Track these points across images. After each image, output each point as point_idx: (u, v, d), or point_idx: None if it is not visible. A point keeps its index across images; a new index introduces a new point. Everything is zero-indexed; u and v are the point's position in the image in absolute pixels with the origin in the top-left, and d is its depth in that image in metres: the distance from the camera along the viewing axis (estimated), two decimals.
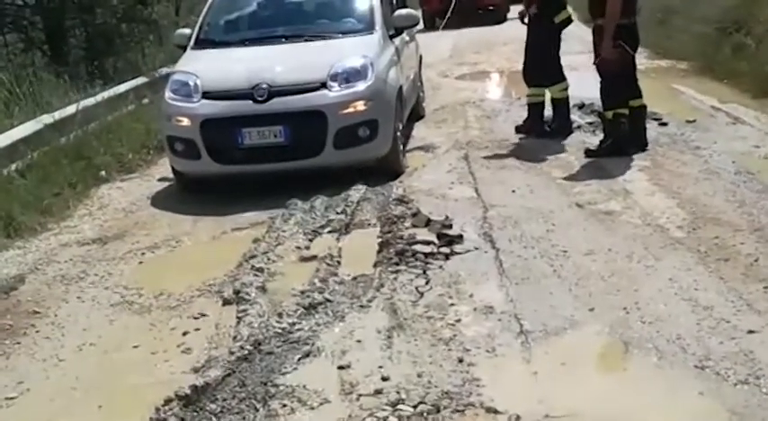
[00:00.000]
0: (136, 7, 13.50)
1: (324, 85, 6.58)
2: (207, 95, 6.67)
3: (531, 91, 8.00)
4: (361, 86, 6.64)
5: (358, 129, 6.58)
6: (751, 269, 4.52)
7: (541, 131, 7.90)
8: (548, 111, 8.03)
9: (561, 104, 7.93)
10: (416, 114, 8.95)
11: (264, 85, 6.52)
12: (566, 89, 7.90)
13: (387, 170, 6.82)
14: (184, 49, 7.57)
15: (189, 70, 6.99)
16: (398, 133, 7.07)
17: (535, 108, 7.99)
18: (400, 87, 7.27)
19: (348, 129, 6.55)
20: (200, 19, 7.84)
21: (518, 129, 8.05)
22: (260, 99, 6.50)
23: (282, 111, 6.47)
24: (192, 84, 6.75)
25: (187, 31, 7.82)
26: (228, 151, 6.62)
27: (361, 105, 6.58)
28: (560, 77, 7.89)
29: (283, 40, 7.34)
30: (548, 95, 7.97)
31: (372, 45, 7.12)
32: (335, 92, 6.58)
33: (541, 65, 7.86)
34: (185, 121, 6.68)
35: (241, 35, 7.64)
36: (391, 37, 7.61)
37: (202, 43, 7.50)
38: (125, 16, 13.36)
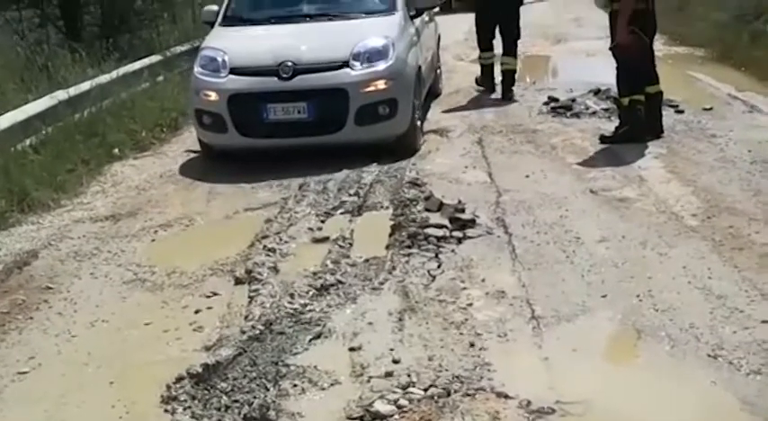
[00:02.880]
0: None
1: (346, 64, 6.78)
2: (234, 71, 6.90)
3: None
4: (382, 66, 6.83)
5: (378, 106, 6.80)
6: (765, 259, 4.49)
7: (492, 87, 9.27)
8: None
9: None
10: (434, 93, 9.21)
11: (290, 63, 6.73)
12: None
13: (405, 147, 7.01)
14: (212, 25, 7.79)
15: (217, 46, 7.20)
16: (417, 112, 7.25)
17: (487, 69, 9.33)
18: (419, 67, 7.45)
19: (369, 107, 6.77)
20: None
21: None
22: (285, 76, 6.73)
23: (306, 88, 6.71)
24: (220, 59, 6.97)
25: (215, 7, 8.00)
26: (254, 125, 6.86)
27: (381, 84, 6.79)
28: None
29: (308, 18, 7.58)
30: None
31: (393, 25, 7.29)
32: (357, 71, 6.78)
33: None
34: (213, 96, 6.92)
35: (267, 13, 7.84)
36: (411, 17, 7.78)
37: (230, 20, 7.74)
38: None
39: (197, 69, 7.13)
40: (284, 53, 6.80)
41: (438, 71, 9.60)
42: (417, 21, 7.94)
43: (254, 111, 6.79)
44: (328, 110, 6.72)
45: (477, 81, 9.54)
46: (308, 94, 6.69)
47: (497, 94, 9.14)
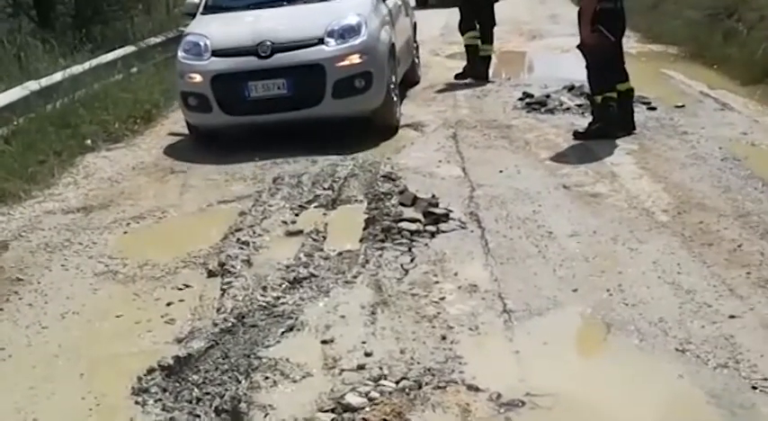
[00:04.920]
0: None
1: (321, 41, 7.10)
2: (216, 53, 7.20)
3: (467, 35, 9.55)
4: (355, 41, 7.16)
5: (354, 80, 7.10)
6: (734, 255, 4.54)
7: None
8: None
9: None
10: (412, 80, 9.45)
11: (268, 43, 7.04)
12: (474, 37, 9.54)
13: (382, 122, 7.33)
14: (193, 16, 8.08)
15: (199, 32, 7.53)
16: (392, 87, 7.51)
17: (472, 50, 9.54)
18: (393, 44, 7.74)
19: (345, 81, 7.07)
20: None
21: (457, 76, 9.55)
22: (264, 55, 7.03)
23: (285, 65, 7.01)
24: (202, 44, 7.30)
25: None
26: (237, 103, 7.15)
27: (356, 58, 7.11)
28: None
29: (284, 3, 7.86)
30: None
31: (366, 5, 7.60)
32: (332, 47, 7.10)
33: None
34: (197, 78, 7.23)
35: (246, 0, 8.02)
36: None
37: (211, 9, 8.04)
38: None
39: (181, 54, 7.43)
40: (262, 33, 7.10)
41: (416, 59, 9.83)
42: (390, 2, 8.21)
43: (237, 90, 7.05)
44: (306, 85, 6.99)
45: (458, 76, 9.62)
46: (287, 70, 6.98)
47: (480, 90, 9.21)
